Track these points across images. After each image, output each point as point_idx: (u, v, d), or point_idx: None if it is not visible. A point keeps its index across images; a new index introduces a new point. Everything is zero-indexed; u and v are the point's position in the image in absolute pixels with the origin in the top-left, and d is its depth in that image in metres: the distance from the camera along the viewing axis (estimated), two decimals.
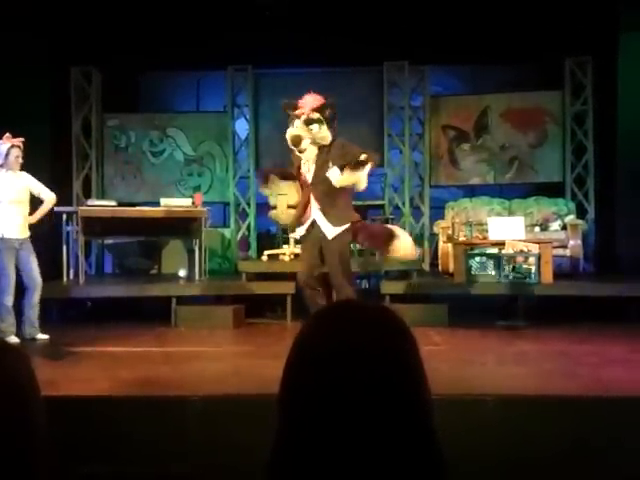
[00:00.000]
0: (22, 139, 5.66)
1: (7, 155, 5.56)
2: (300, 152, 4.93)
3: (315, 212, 4.96)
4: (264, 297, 7.04)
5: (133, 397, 3.81)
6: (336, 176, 4.82)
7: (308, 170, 5.01)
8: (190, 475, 3.11)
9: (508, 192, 8.94)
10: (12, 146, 5.58)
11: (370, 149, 5.28)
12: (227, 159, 8.94)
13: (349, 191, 5.01)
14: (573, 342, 5.37)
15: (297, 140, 4.90)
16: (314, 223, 4.97)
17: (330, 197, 4.91)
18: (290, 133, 4.94)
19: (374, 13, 8.09)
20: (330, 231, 4.92)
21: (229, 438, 3.22)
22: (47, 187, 5.86)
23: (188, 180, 9.06)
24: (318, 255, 5.00)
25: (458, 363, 4.68)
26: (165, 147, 9.04)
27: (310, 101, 4.97)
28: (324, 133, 4.92)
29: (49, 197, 5.83)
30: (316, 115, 4.90)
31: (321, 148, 4.95)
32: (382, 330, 0.98)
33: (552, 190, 8.52)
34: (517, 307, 6.25)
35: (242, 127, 8.89)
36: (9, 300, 5.51)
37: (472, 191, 9.05)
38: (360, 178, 4.83)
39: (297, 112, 4.92)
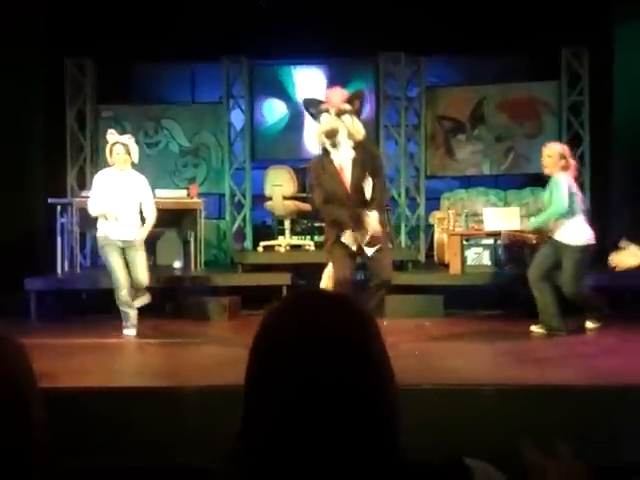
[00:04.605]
0: (129, 135, 5.65)
1: (110, 152, 5.55)
2: (334, 146, 4.59)
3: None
4: (260, 288, 7.04)
5: (129, 388, 3.82)
6: (369, 191, 4.63)
7: (344, 177, 4.64)
8: (188, 466, 3.11)
9: (504, 183, 8.94)
10: (115, 143, 5.54)
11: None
12: (222, 150, 8.91)
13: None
14: (568, 332, 5.38)
15: (334, 132, 4.53)
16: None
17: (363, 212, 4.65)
18: (324, 126, 4.57)
19: (370, 4, 8.06)
20: (368, 251, 4.69)
21: (225, 428, 3.22)
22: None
23: (183, 171, 9.03)
24: (352, 264, 4.77)
25: (454, 354, 4.69)
26: (160, 138, 9.01)
27: (337, 93, 4.69)
28: (357, 125, 4.63)
29: (150, 214, 5.65)
30: (347, 106, 4.60)
31: (357, 150, 4.63)
32: (343, 318, 0.98)
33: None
34: (514, 297, 6.26)
35: (238, 118, 8.85)
36: (124, 295, 5.46)
37: (468, 182, 9.05)
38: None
39: (325, 106, 4.60)
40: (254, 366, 0.99)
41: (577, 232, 5.26)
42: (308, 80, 8.85)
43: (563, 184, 5.30)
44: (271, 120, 8.97)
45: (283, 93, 8.92)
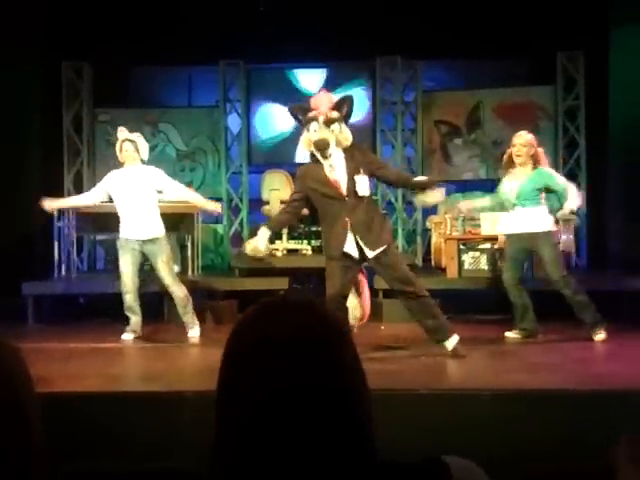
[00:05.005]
0: (137, 133, 5.65)
1: (120, 149, 5.56)
2: (324, 157, 4.48)
3: (350, 234, 4.49)
4: (257, 293, 7.04)
5: (125, 393, 3.81)
6: (365, 188, 4.52)
7: (336, 179, 4.49)
8: (185, 471, 3.10)
9: None
10: (124, 140, 5.55)
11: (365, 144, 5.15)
12: (219, 154, 8.91)
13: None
14: (564, 336, 5.38)
15: (325, 144, 4.41)
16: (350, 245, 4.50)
17: (367, 214, 4.52)
18: (315, 137, 4.44)
19: (367, 8, 8.08)
20: (369, 254, 4.52)
21: None
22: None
23: (180, 176, 8.99)
24: (350, 278, 4.60)
25: (450, 358, 4.68)
26: (157, 142, 9.00)
27: (325, 100, 4.53)
28: (345, 132, 4.50)
29: (181, 192, 5.83)
30: (336, 114, 4.46)
31: (346, 152, 4.52)
32: (314, 326, 0.98)
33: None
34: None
35: (234, 122, 8.85)
36: (128, 299, 5.49)
37: (464, 186, 9.06)
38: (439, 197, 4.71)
39: (314, 114, 4.47)
40: (225, 373, 0.99)
41: (547, 218, 5.30)
42: (305, 84, 8.85)
43: (554, 173, 5.43)
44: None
45: (281, 97, 8.89)
